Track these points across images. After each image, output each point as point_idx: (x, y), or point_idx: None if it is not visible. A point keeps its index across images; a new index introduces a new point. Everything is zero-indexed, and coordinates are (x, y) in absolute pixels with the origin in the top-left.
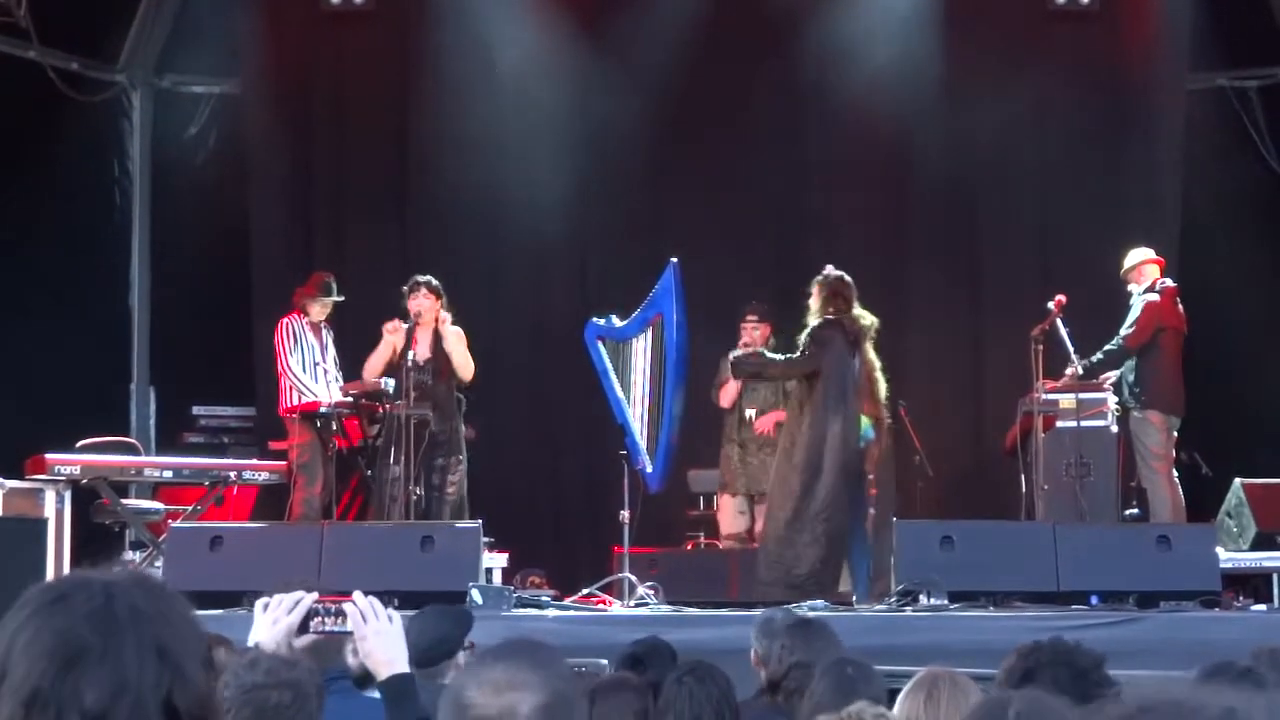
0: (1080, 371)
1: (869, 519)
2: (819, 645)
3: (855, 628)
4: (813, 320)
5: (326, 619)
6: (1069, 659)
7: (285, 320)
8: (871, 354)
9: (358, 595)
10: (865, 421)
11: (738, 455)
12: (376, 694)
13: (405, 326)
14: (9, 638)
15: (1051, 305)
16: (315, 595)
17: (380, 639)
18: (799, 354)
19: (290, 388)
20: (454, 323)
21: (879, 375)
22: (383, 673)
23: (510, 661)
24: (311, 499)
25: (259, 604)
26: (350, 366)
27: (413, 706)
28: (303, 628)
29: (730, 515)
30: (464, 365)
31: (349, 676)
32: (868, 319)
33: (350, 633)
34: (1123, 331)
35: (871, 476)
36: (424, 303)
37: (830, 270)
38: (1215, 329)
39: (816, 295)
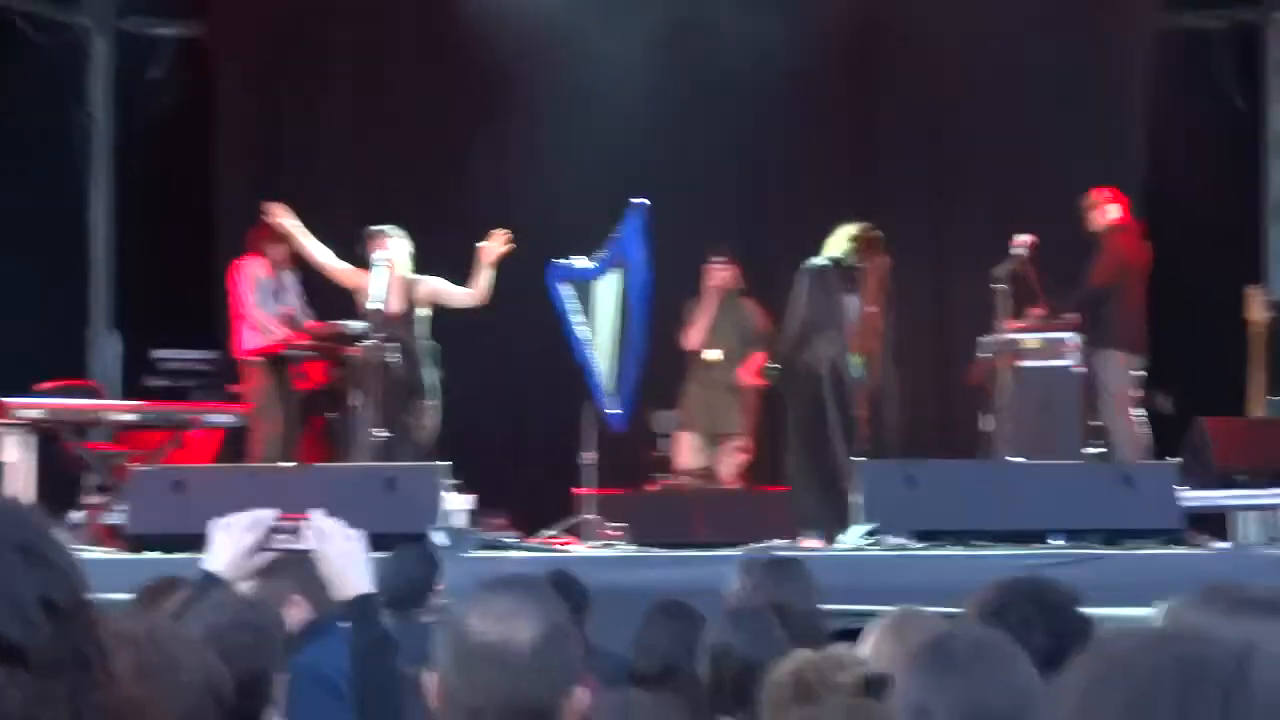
0: (1046, 312)
1: None
2: (791, 587)
3: (820, 567)
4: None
5: (286, 536)
6: (1040, 595)
7: (241, 262)
8: (878, 293)
9: (317, 514)
10: (857, 359)
11: (700, 394)
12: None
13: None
14: None
15: (1017, 245)
16: (275, 513)
17: (342, 559)
18: (793, 299)
19: (247, 328)
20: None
21: (880, 313)
22: (346, 592)
23: (509, 592)
24: (266, 441)
25: (216, 524)
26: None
27: (377, 626)
28: (262, 546)
29: (687, 451)
30: (469, 296)
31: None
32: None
33: (309, 550)
34: (1090, 271)
35: (863, 414)
36: (392, 246)
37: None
38: (1178, 268)
39: (846, 238)
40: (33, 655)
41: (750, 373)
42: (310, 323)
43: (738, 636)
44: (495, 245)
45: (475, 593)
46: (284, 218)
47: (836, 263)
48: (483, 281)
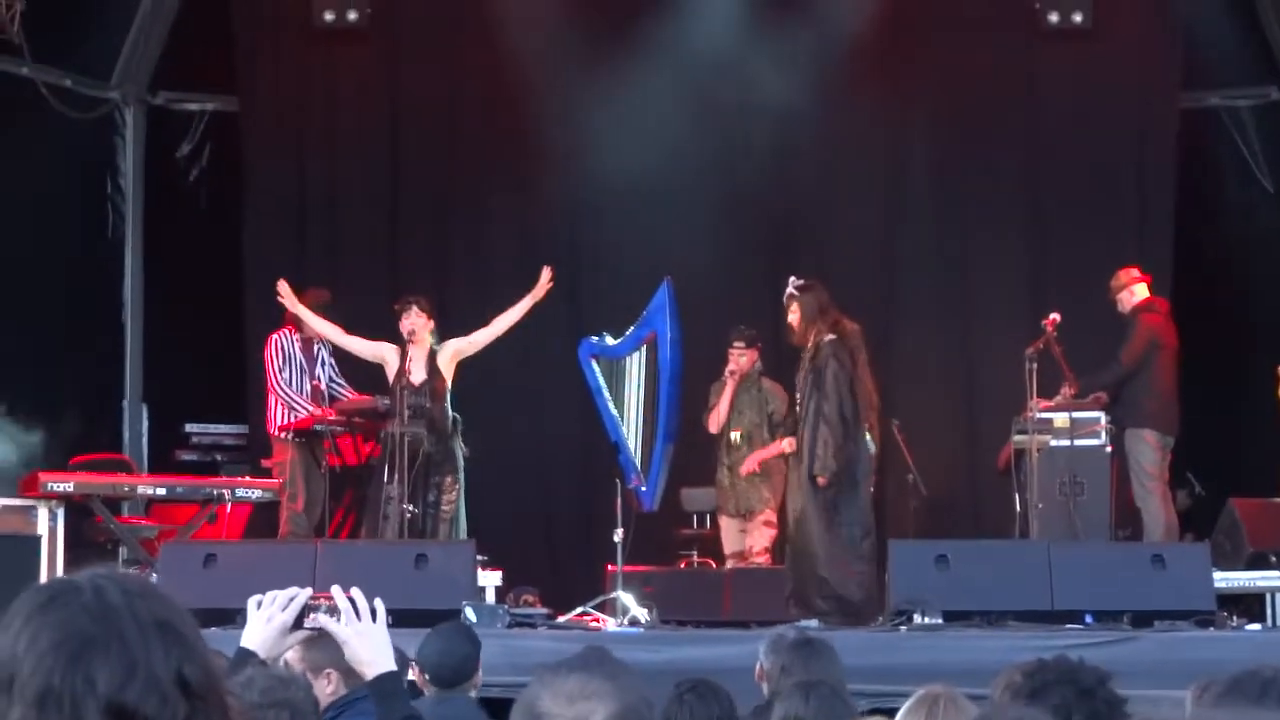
0: (1076, 391)
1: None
2: (818, 666)
3: (850, 647)
4: (806, 338)
5: (320, 616)
6: (1073, 677)
7: (275, 336)
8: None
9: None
10: (868, 435)
11: (727, 478)
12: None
13: (399, 346)
14: (9, 644)
15: (1045, 324)
16: (309, 591)
17: (361, 640)
18: (839, 384)
19: (278, 403)
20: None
21: (876, 384)
22: (368, 673)
23: (583, 672)
24: (295, 517)
25: (252, 601)
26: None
27: (402, 705)
28: (297, 624)
29: (730, 535)
30: (488, 333)
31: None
32: (853, 326)
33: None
34: (1121, 351)
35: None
36: (417, 321)
37: (800, 281)
38: (1208, 348)
39: (799, 310)
40: None
41: (761, 459)
42: (345, 396)
43: (809, 708)
44: (545, 283)
45: (548, 672)
46: (287, 299)
47: (835, 344)
48: (511, 316)
